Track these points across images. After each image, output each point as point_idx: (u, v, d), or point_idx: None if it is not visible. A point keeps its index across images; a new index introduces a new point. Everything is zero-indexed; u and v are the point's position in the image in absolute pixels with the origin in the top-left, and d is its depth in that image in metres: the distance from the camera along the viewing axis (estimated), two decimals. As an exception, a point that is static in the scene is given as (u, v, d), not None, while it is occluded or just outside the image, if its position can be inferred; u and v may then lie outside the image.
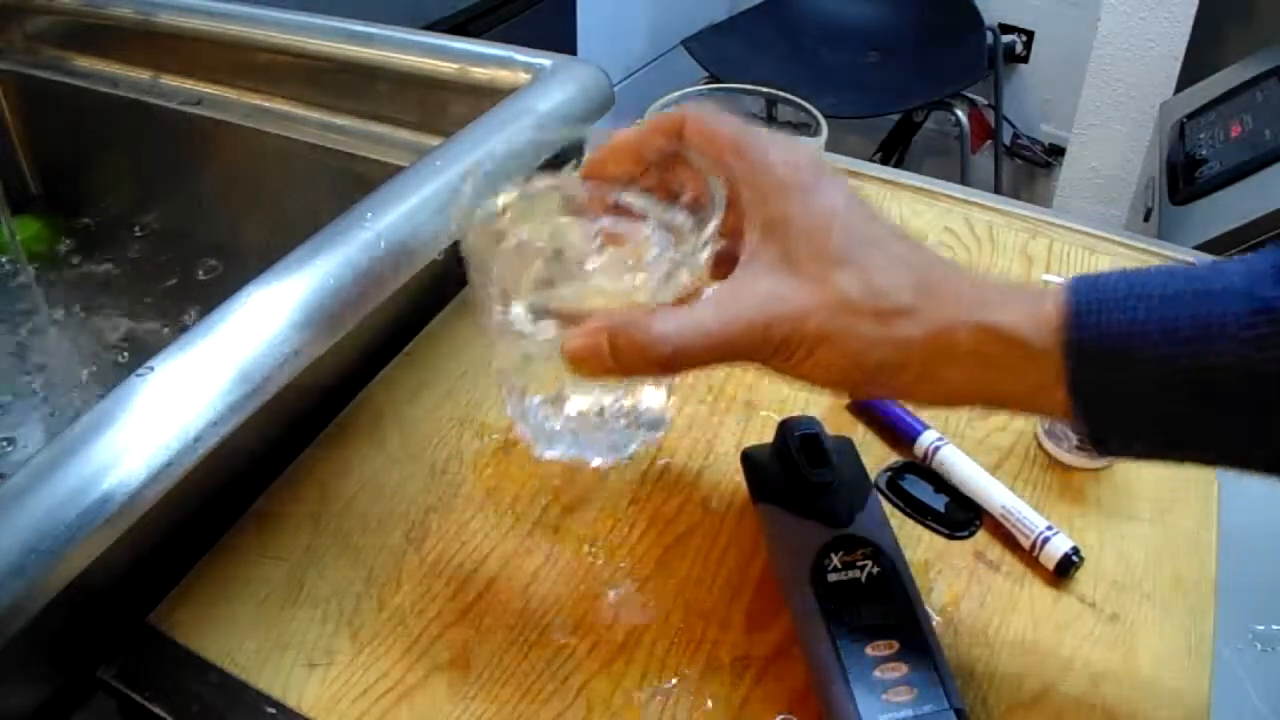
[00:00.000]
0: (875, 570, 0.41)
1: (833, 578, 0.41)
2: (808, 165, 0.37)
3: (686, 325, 0.35)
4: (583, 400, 0.41)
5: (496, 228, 0.39)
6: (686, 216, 0.40)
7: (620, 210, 0.41)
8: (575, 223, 0.41)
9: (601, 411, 0.42)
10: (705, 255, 0.38)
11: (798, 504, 0.43)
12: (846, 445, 0.47)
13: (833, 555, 0.41)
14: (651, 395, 0.43)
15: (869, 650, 0.38)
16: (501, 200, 0.40)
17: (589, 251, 0.40)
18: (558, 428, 0.42)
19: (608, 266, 0.39)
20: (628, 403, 0.42)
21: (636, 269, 0.39)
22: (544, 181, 0.42)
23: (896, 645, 0.39)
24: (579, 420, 0.42)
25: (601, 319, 0.35)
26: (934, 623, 0.43)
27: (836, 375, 0.35)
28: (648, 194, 0.41)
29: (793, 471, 0.44)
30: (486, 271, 0.38)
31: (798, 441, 0.45)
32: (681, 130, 0.39)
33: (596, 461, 0.44)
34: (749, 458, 0.48)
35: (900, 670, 0.38)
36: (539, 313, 0.37)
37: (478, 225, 0.38)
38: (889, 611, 0.40)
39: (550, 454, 0.43)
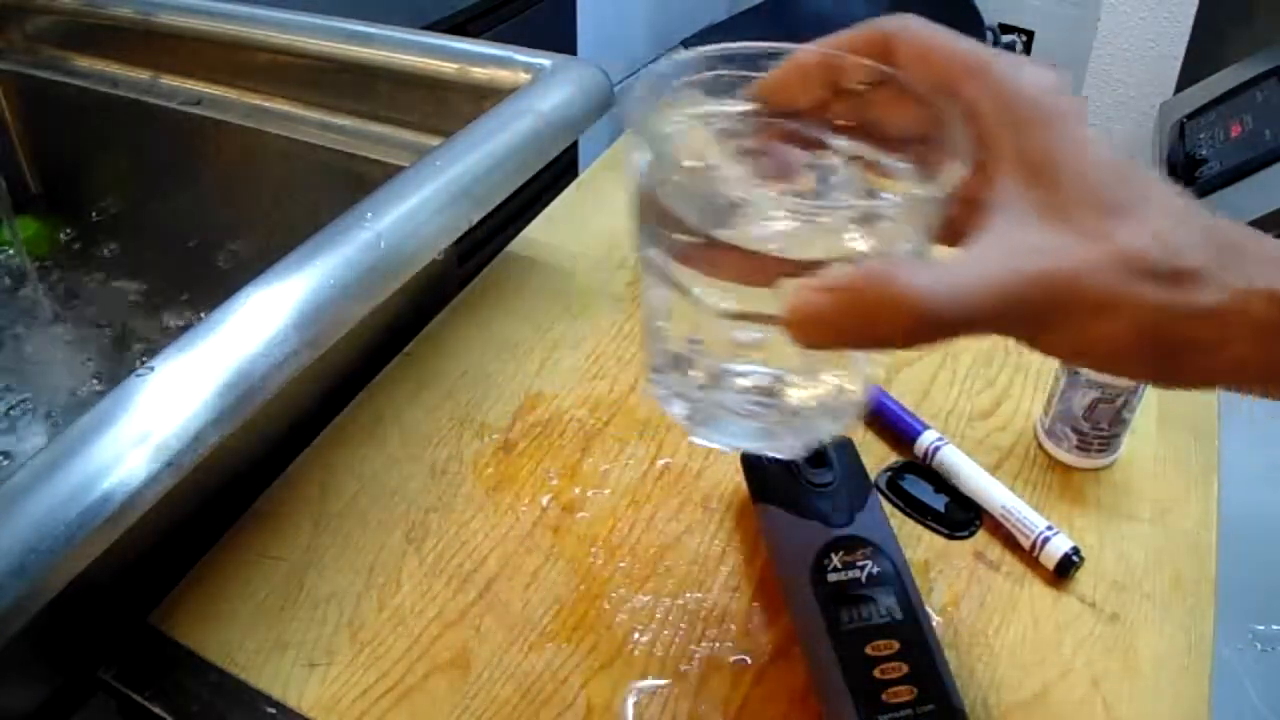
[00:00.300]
0: (875, 570, 0.41)
1: (833, 578, 0.40)
2: (1067, 91, 0.30)
3: (948, 281, 0.27)
4: (761, 376, 0.34)
5: (664, 163, 0.31)
6: (899, 157, 0.32)
7: (800, 142, 0.33)
8: (744, 156, 0.33)
9: (781, 392, 0.34)
10: (938, 207, 0.30)
11: (798, 504, 0.43)
12: (846, 445, 0.47)
13: (833, 555, 0.41)
14: (847, 375, 0.35)
15: (869, 650, 0.38)
16: (669, 129, 0.33)
17: (752, 186, 0.32)
18: (725, 408, 0.35)
19: (774, 205, 0.32)
20: (815, 386, 0.35)
21: (811, 209, 0.32)
22: (720, 108, 0.34)
23: (896, 645, 0.38)
24: (752, 401, 0.34)
25: (849, 273, 0.28)
26: (934, 623, 0.43)
27: (1117, 351, 0.29)
28: (841, 128, 0.33)
29: (792, 472, 0.44)
30: (647, 213, 0.31)
31: None
32: (891, 46, 0.32)
33: (766, 453, 0.38)
34: (749, 458, 0.47)
35: (900, 670, 0.38)
36: (694, 261, 0.30)
37: (640, 160, 0.31)
38: (889, 611, 0.40)
39: (711, 441, 0.36)
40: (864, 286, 0.27)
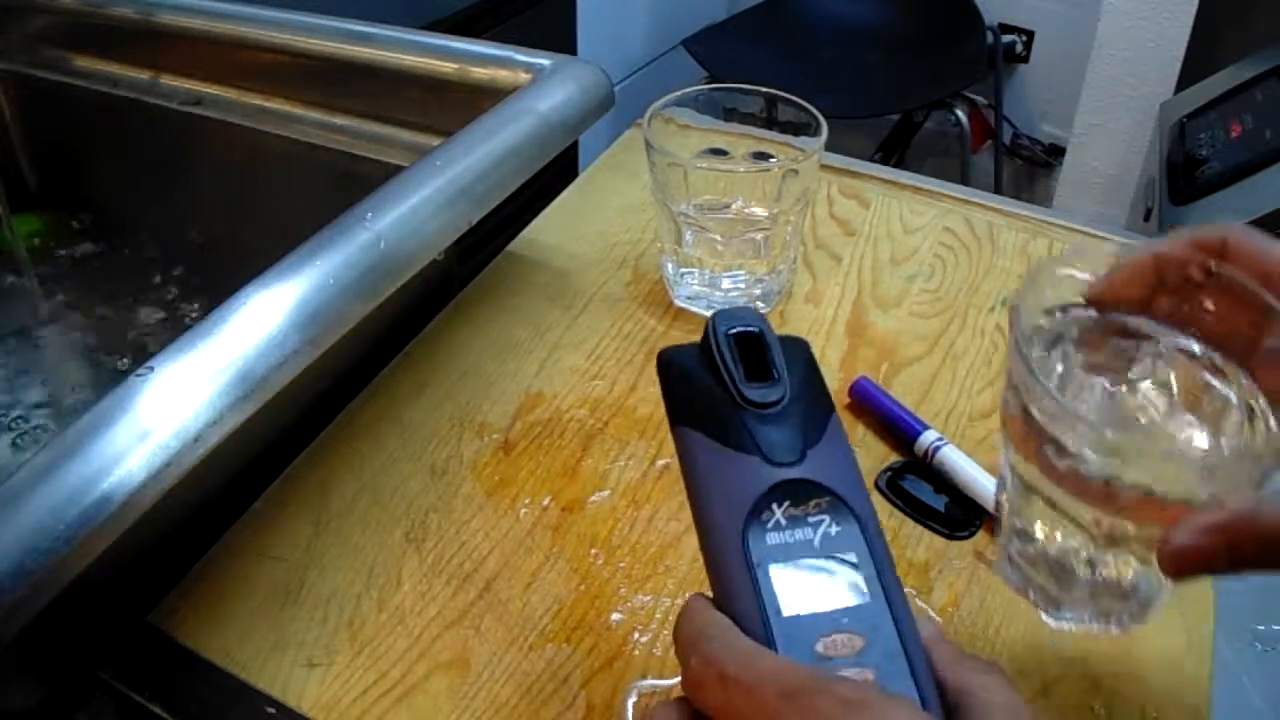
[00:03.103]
0: (834, 530, 0.29)
1: (773, 539, 0.29)
2: None
3: None
4: (1118, 564, 0.35)
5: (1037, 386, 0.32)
6: (1217, 350, 0.34)
7: (1131, 336, 0.35)
8: (1142, 367, 0.35)
9: (1127, 580, 0.35)
10: None
11: (729, 431, 0.30)
12: (800, 349, 0.33)
13: (775, 507, 0.29)
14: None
15: (820, 649, 0.27)
16: (1039, 323, 0.36)
17: (1158, 407, 0.34)
18: (1076, 590, 0.36)
19: (1187, 433, 0.33)
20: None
21: (1217, 441, 0.33)
22: (1073, 313, 0.36)
23: (860, 643, 0.27)
24: (1103, 585, 0.35)
25: (1223, 516, 0.29)
26: (931, 618, 0.43)
27: None
28: (1163, 325, 0.35)
29: (725, 385, 0.31)
30: (1021, 426, 0.33)
31: (732, 343, 0.31)
32: (1223, 248, 0.34)
33: (1114, 631, 0.38)
34: (668, 362, 0.34)
35: (864, 678, 0.27)
36: (1106, 453, 0.31)
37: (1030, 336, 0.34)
38: (851, 590, 0.28)
39: (1066, 624, 0.38)
40: (1254, 532, 0.28)
